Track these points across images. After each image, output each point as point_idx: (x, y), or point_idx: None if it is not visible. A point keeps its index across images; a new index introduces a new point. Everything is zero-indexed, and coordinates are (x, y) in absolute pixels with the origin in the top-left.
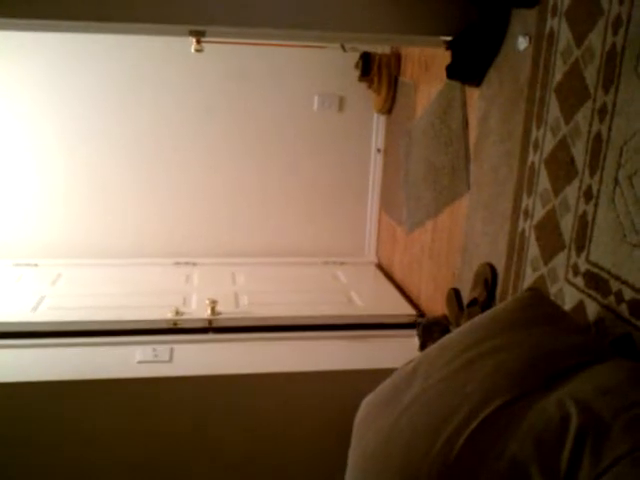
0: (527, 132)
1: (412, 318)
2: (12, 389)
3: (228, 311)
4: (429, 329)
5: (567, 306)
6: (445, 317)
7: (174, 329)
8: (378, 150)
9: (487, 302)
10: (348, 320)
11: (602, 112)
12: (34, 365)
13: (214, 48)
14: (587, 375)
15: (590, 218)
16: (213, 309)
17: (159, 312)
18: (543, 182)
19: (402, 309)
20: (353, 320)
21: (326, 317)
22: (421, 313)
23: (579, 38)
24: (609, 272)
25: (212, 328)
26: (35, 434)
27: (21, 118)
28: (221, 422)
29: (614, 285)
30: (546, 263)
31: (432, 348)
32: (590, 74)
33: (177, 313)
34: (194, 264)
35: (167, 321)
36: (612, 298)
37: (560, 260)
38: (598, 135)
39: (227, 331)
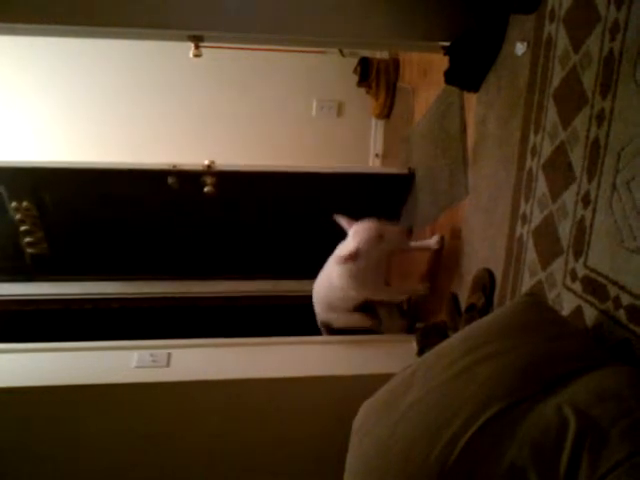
0: (525, 137)
1: (404, 170)
2: (8, 394)
3: None
4: (427, 334)
5: (565, 311)
6: (443, 322)
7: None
8: (377, 155)
9: (485, 307)
10: (353, 169)
11: (600, 118)
12: (30, 370)
13: (213, 53)
14: (585, 381)
15: (588, 223)
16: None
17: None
18: (541, 187)
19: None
20: (357, 169)
21: (328, 167)
22: (419, 319)
23: (577, 44)
24: (607, 277)
25: (210, 173)
26: (30, 439)
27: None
28: (219, 427)
29: (612, 290)
30: (544, 268)
31: (430, 353)
32: (588, 80)
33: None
34: None
35: (166, 164)
36: (610, 303)
37: (558, 265)
38: (596, 141)
39: (226, 181)
